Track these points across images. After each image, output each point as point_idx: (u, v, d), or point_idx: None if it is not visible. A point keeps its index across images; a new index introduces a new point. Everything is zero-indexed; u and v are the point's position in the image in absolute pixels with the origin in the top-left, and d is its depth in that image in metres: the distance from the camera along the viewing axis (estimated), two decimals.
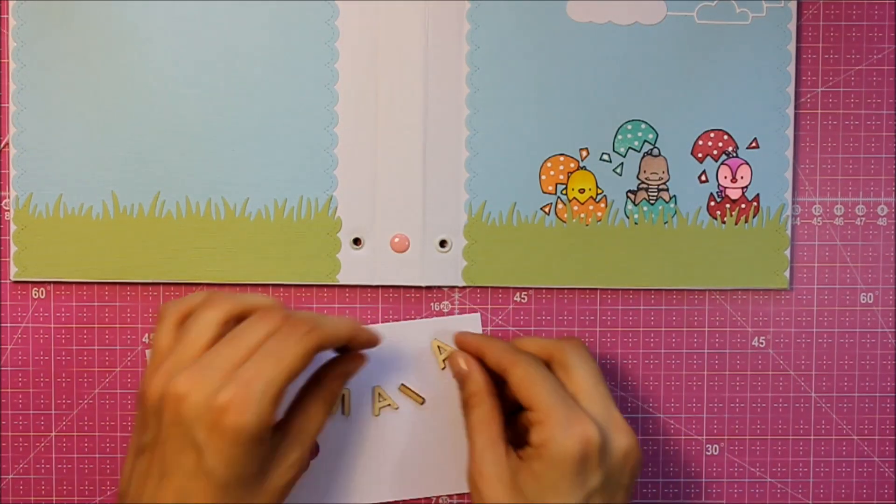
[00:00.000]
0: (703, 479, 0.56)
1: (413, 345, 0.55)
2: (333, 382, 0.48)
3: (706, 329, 0.56)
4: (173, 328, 0.46)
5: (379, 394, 0.55)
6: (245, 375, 0.42)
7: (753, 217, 0.55)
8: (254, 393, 0.42)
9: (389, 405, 0.55)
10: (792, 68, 0.54)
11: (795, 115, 0.55)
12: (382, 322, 0.55)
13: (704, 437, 0.56)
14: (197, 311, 0.46)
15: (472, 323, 0.55)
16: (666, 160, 0.54)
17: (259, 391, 0.42)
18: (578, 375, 0.48)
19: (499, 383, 0.50)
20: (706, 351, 0.56)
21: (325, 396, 0.48)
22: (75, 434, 0.55)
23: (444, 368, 0.55)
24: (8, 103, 0.53)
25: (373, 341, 0.50)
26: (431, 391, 0.55)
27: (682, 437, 0.56)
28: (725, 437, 0.56)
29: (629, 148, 0.54)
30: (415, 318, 0.55)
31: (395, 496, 0.55)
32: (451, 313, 0.55)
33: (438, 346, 0.55)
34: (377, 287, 0.55)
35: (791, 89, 0.54)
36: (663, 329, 0.55)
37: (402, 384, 0.55)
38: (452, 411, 0.55)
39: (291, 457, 0.45)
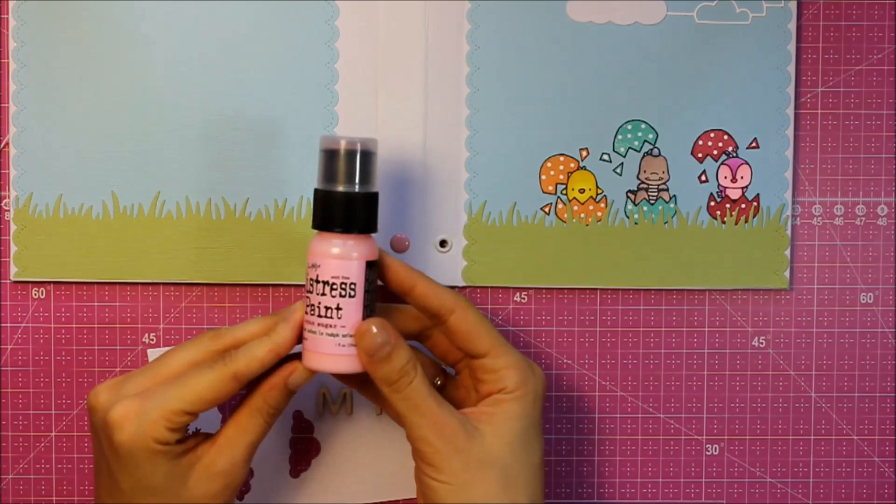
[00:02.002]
0: (703, 479, 0.56)
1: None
2: (269, 393, 0.46)
3: (706, 329, 0.56)
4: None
5: None
6: (144, 395, 0.44)
7: (753, 217, 0.55)
8: (140, 413, 0.44)
9: None
10: (792, 68, 0.54)
11: (795, 115, 0.55)
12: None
13: (704, 437, 0.56)
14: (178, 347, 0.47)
15: None
16: (666, 160, 0.54)
17: (146, 411, 0.43)
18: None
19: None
20: (706, 351, 0.56)
21: (258, 406, 0.46)
22: (75, 434, 0.55)
23: None
24: (8, 103, 0.53)
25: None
26: None
27: (682, 437, 0.56)
28: (725, 437, 0.56)
29: (629, 148, 0.54)
30: None
31: (396, 496, 0.55)
32: None
33: None
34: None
35: (791, 89, 0.54)
36: (663, 329, 0.55)
37: None
38: None
39: (217, 466, 0.45)
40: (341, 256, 0.44)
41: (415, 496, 0.55)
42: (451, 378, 0.50)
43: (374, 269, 0.46)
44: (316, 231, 0.45)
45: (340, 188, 0.45)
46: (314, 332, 0.45)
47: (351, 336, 0.45)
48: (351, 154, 0.45)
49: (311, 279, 0.45)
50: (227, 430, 0.46)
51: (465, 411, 0.46)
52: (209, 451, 0.46)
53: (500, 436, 0.45)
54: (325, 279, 0.44)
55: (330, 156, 0.45)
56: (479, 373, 0.47)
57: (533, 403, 0.46)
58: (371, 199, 0.46)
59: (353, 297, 0.45)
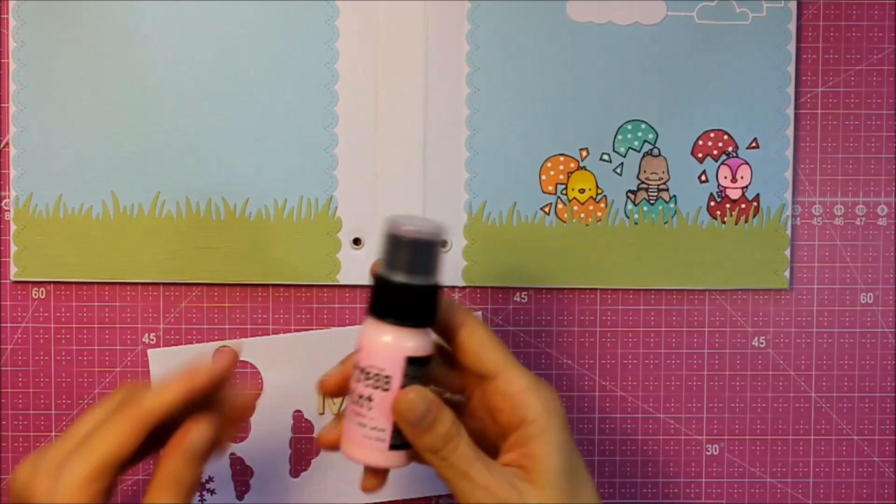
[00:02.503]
0: (703, 479, 0.56)
1: None
2: (171, 463, 0.41)
3: (706, 329, 0.56)
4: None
5: None
6: (60, 466, 0.41)
7: (753, 217, 0.55)
8: (59, 484, 0.40)
9: None
10: (792, 68, 0.54)
11: (795, 115, 0.55)
12: None
13: (704, 437, 0.56)
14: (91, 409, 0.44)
15: None
16: (666, 160, 0.54)
17: (63, 481, 0.40)
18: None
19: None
20: (706, 351, 0.56)
21: (164, 481, 0.41)
22: None
23: None
24: (8, 103, 0.53)
25: (219, 384, 0.43)
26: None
27: (682, 437, 0.56)
28: (725, 437, 0.56)
29: (629, 148, 0.54)
30: None
31: (396, 496, 0.55)
32: None
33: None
34: None
35: (791, 89, 0.54)
36: (663, 329, 0.55)
37: None
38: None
39: None
40: (382, 347, 0.41)
41: (414, 496, 0.55)
42: (461, 403, 0.46)
43: (423, 365, 0.42)
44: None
45: (397, 278, 0.41)
46: (349, 418, 0.42)
47: (379, 430, 0.42)
48: (414, 244, 0.41)
49: (355, 363, 0.42)
50: None
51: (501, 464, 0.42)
52: None
53: (544, 493, 0.41)
54: (363, 366, 0.42)
55: (392, 242, 0.41)
56: (493, 399, 0.43)
57: (562, 431, 0.42)
58: (427, 293, 0.42)
59: (387, 391, 0.41)
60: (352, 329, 0.55)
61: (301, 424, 0.55)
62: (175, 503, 0.40)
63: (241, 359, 0.55)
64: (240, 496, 0.55)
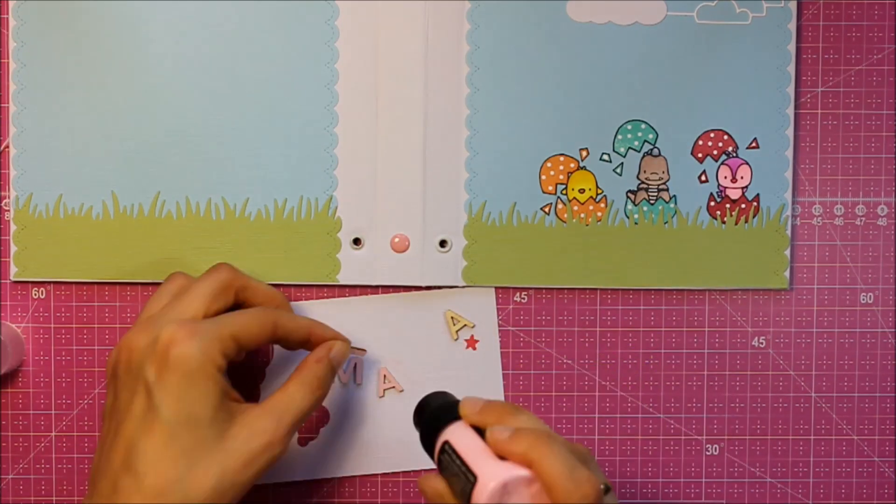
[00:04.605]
0: (703, 479, 0.56)
1: (425, 315, 0.54)
2: (316, 366, 0.48)
3: (706, 329, 0.56)
4: (168, 296, 0.48)
5: (384, 376, 0.55)
6: (193, 321, 0.45)
7: (753, 217, 0.55)
8: (197, 330, 0.44)
9: (394, 388, 0.55)
10: (792, 68, 0.54)
11: (795, 115, 0.55)
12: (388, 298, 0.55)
13: (704, 437, 0.56)
14: (194, 282, 0.49)
15: (486, 297, 0.55)
16: (666, 160, 0.54)
17: (202, 329, 0.44)
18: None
19: None
20: (706, 351, 0.56)
21: (306, 379, 0.48)
22: (75, 434, 0.55)
23: (456, 339, 0.55)
24: (8, 103, 0.53)
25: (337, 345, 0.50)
26: (443, 363, 0.55)
27: (682, 437, 0.56)
28: (725, 437, 0.56)
29: (629, 148, 0.54)
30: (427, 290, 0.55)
31: (403, 466, 0.55)
32: None
33: (452, 317, 0.55)
34: (377, 287, 0.55)
35: (791, 89, 0.54)
36: (663, 329, 0.55)
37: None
38: (462, 387, 0.55)
39: (259, 424, 0.45)
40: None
41: (420, 468, 0.55)
42: None
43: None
44: None
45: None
46: None
47: None
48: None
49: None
50: (274, 397, 0.47)
51: None
52: (255, 408, 0.46)
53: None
54: None
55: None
56: None
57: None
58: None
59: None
60: (351, 329, 0.55)
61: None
62: (313, 400, 0.47)
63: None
64: None
